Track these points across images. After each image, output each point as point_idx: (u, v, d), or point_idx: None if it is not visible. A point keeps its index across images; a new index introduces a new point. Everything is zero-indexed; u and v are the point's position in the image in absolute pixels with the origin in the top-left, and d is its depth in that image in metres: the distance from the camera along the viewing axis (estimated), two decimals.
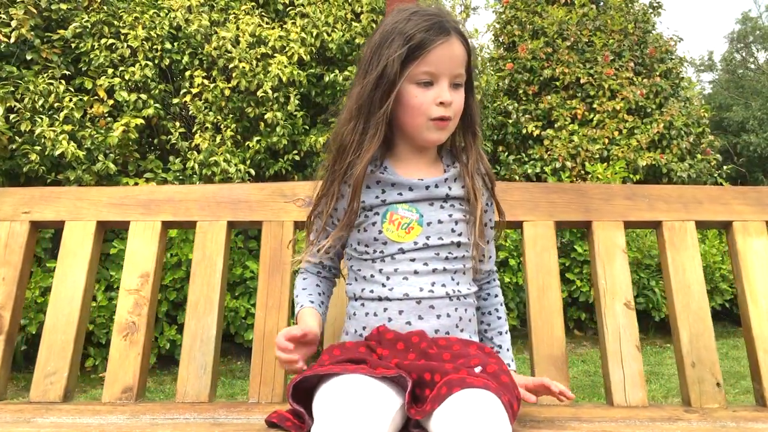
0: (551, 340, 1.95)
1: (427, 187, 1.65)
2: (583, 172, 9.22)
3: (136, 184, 6.24)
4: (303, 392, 1.46)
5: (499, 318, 1.80)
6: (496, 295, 1.82)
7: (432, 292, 1.59)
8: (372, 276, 1.63)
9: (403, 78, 1.57)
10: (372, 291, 1.62)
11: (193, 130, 6.91)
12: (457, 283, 1.63)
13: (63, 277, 2.05)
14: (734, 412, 1.78)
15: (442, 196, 1.65)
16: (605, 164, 9.00)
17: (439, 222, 1.63)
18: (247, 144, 6.89)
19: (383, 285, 1.61)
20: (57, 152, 5.77)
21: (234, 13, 7.22)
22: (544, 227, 2.06)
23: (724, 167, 10.74)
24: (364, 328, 1.62)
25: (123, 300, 2.03)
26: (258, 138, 6.86)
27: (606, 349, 1.93)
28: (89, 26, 6.50)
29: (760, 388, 1.90)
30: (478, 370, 1.42)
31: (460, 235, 1.64)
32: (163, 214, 2.12)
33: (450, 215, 1.64)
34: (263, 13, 7.43)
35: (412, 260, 1.61)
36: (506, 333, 1.80)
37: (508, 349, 1.77)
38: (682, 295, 1.96)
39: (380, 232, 1.63)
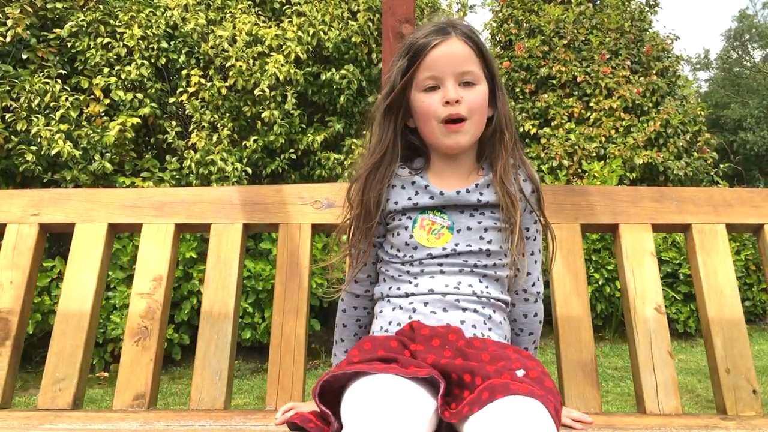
0: (579, 345, 1.91)
1: (458, 192, 1.62)
2: (579, 170, 9.21)
3: (133, 183, 6.21)
4: (329, 393, 1.40)
5: (531, 334, 1.72)
6: (534, 314, 1.72)
7: (458, 289, 1.57)
8: (400, 276, 1.63)
9: (408, 86, 1.61)
10: (399, 288, 1.62)
11: (190, 129, 6.87)
12: (486, 286, 1.60)
13: (73, 281, 2.01)
14: None
15: (473, 202, 1.62)
16: (602, 162, 8.99)
17: (468, 229, 1.61)
18: (244, 143, 6.86)
19: (410, 282, 1.61)
20: (53, 152, 5.74)
21: (230, 12, 7.19)
22: (570, 230, 2.02)
23: (721, 165, 10.75)
24: (389, 322, 1.60)
25: (135, 304, 1.98)
26: (255, 137, 6.83)
27: (637, 355, 1.89)
28: (85, 25, 6.46)
29: None
30: (520, 374, 1.36)
31: (489, 242, 1.61)
32: (176, 216, 2.08)
33: (479, 222, 1.62)
34: (260, 12, 7.41)
35: (440, 265, 1.60)
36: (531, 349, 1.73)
37: None
38: (715, 300, 1.92)
39: (411, 236, 1.62)
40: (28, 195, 2.12)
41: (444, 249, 1.60)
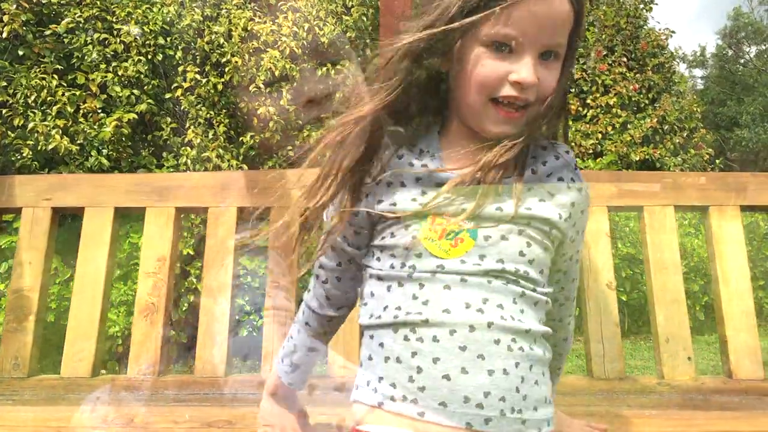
0: None
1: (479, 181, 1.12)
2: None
3: None
4: None
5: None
6: (559, 334, 1.31)
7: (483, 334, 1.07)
8: (396, 308, 1.11)
9: (467, 33, 1.09)
10: (397, 316, 1.10)
11: (186, 126, 6.97)
12: (520, 320, 1.09)
13: (85, 261, 2.18)
14: (702, 384, 1.97)
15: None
16: (598, 160, 9.07)
17: (503, 239, 1.10)
18: (240, 140, 6.96)
19: (411, 314, 1.09)
20: (50, 147, 5.83)
21: (226, 8, 7.27)
22: None
23: (717, 161, 10.85)
24: (380, 379, 1.09)
25: (143, 282, 2.16)
26: (251, 133, 6.94)
27: (588, 326, 2.09)
28: (82, 21, 6.54)
29: (727, 361, 2.07)
30: None
31: (531, 263, 1.11)
32: (177, 200, 2.24)
33: (521, 231, 1.11)
34: (255, 8, 7.45)
35: (462, 281, 1.08)
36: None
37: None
38: (660, 274, 2.12)
39: (414, 237, 1.10)
40: (39, 180, 2.29)
41: (463, 262, 1.08)
